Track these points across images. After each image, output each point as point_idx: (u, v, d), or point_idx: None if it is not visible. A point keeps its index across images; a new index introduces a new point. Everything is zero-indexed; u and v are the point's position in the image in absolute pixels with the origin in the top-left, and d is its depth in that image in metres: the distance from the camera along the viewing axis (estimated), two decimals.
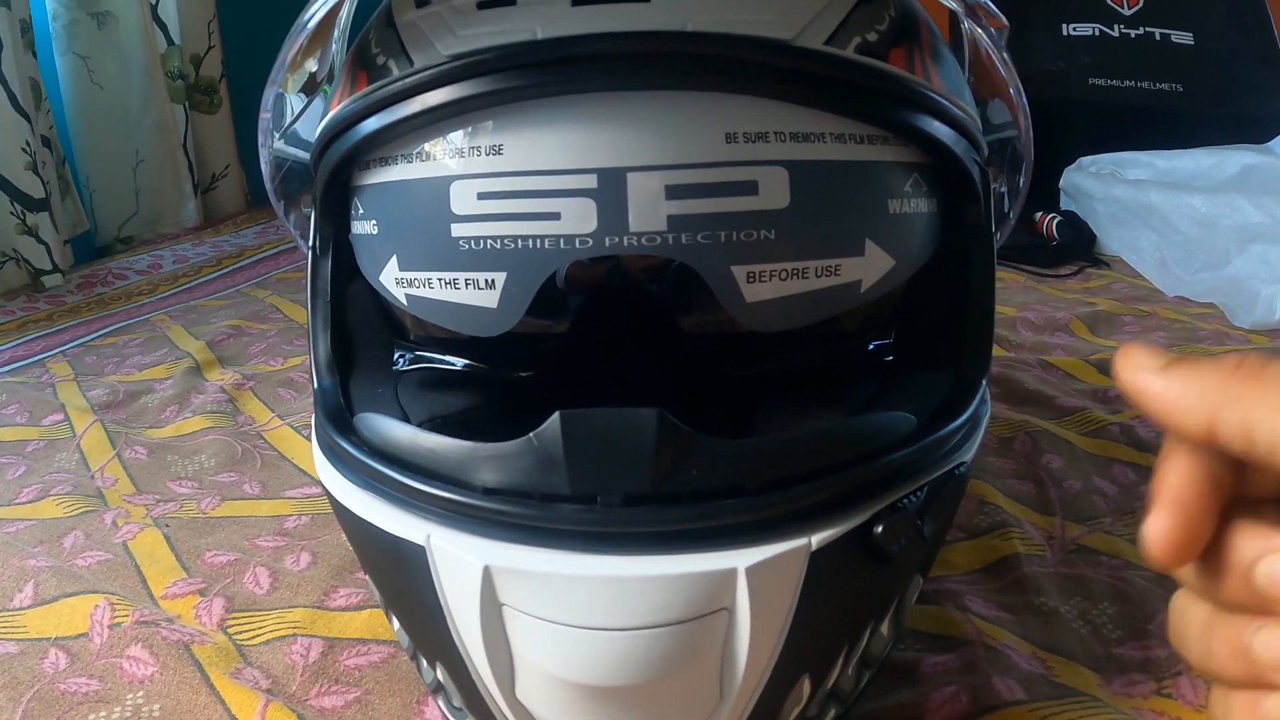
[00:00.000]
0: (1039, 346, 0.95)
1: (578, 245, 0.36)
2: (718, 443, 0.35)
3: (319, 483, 0.43)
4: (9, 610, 0.58)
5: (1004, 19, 0.44)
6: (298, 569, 0.61)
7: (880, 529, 0.35)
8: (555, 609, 0.33)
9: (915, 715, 0.47)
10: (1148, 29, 1.42)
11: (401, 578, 0.38)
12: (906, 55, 0.38)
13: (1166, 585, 0.31)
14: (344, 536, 0.63)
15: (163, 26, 1.55)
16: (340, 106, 0.41)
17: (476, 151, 0.37)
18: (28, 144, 1.25)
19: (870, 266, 0.39)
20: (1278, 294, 1.01)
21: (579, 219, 0.36)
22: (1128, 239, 1.21)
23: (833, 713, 0.42)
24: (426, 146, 0.38)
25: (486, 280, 0.38)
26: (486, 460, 0.36)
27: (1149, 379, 0.26)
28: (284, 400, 0.89)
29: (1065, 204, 1.31)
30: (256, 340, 1.06)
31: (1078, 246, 1.24)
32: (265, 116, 0.46)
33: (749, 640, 0.34)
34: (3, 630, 0.56)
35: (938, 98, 0.38)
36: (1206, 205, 1.12)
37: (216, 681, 0.50)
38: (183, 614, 0.57)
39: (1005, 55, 0.45)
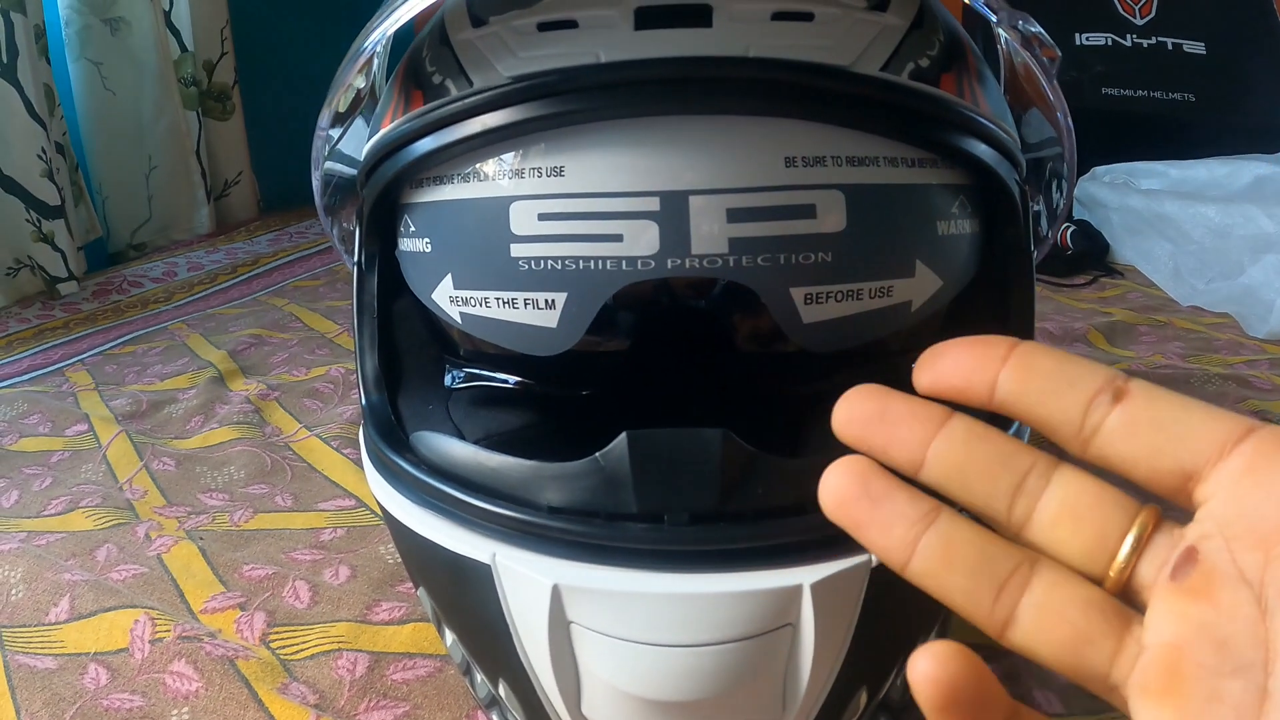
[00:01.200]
0: None
1: (640, 267, 0.36)
2: (780, 462, 0.36)
3: (360, 497, 0.43)
4: (45, 624, 0.58)
5: (1058, 50, 0.44)
6: (337, 583, 0.61)
7: None
8: (624, 626, 0.34)
9: None
10: (1160, 38, 1.42)
11: (463, 594, 0.38)
12: (956, 80, 0.39)
13: None
14: (382, 549, 0.64)
15: (176, 33, 1.56)
16: (393, 125, 0.41)
17: (537, 173, 0.37)
18: (43, 151, 1.25)
19: (920, 287, 0.39)
20: None
21: (641, 241, 0.36)
22: (1142, 248, 1.21)
23: None
24: (485, 166, 0.39)
25: (547, 300, 0.38)
26: (551, 479, 0.36)
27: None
28: (310, 411, 0.90)
29: (1079, 213, 1.32)
30: (278, 350, 1.06)
31: (1092, 256, 1.24)
32: (321, 135, 0.46)
33: (813, 654, 0.34)
34: (40, 645, 0.56)
35: (984, 121, 0.39)
36: (1220, 215, 1.13)
37: (264, 697, 0.51)
38: (224, 629, 0.57)
39: (1056, 84, 0.46)
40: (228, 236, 1.56)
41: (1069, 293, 1.18)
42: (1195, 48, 1.42)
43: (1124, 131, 1.35)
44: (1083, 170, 1.30)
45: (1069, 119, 0.47)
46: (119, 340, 1.12)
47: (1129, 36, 1.43)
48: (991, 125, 0.39)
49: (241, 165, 1.67)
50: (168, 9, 1.53)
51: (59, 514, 0.72)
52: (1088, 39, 1.43)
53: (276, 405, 0.91)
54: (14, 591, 0.61)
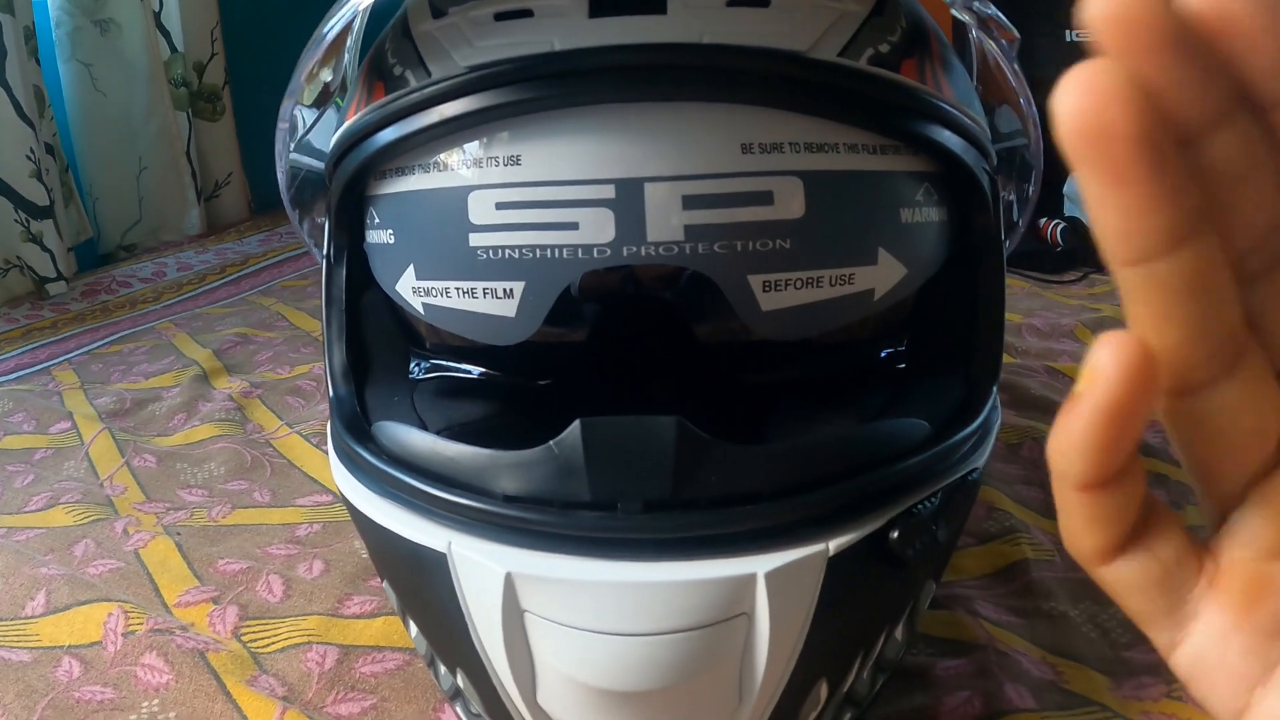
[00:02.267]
0: (1045, 353, 0.95)
1: (595, 255, 0.36)
2: (736, 449, 0.36)
3: (336, 491, 0.43)
4: (21, 618, 0.58)
5: (1015, 31, 0.44)
6: (311, 577, 0.61)
7: (896, 534, 0.36)
8: (577, 615, 0.34)
9: (930, 719, 0.47)
10: None
11: (421, 584, 0.38)
12: (918, 66, 0.39)
13: None
14: (356, 544, 0.64)
15: (166, 34, 1.55)
16: (356, 116, 0.41)
17: (494, 162, 0.37)
18: (32, 151, 1.25)
19: (883, 275, 0.39)
20: None
21: (597, 229, 0.36)
22: None
23: (848, 716, 0.42)
24: (444, 157, 0.39)
25: (505, 289, 0.38)
26: (507, 468, 0.36)
27: None
28: (292, 408, 0.89)
29: (1069, 210, 1.31)
30: (263, 348, 1.06)
31: (1081, 252, 1.24)
32: (283, 128, 0.46)
33: (768, 644, 0.34)
34: (15, 639, 0.56)
35: (948, 108, 0.39)
36: None
37: (233, 689, 0.50)
38: (196, 622, 0.57)
39: (1016, 66, 0.46)
40: (218, 237, 1.56)
41: (1058, 289, 1.17)
42: None
43: None
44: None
45: (1033, 105, 0.47)
46: (106, 340, 1.12)
47: None
48: (956, 112, 0.39)
49: (232, 166, 1.67)
50: (158, 10, 1.53)
51: (39, 510, 0.72)
52: (1079, 36, 1.43)
53: (259, 403, 0.90)
54: None
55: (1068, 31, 1.45)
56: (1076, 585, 0.57)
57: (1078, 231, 1.25)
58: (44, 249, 1.27)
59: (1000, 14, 0.43)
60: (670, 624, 0.33)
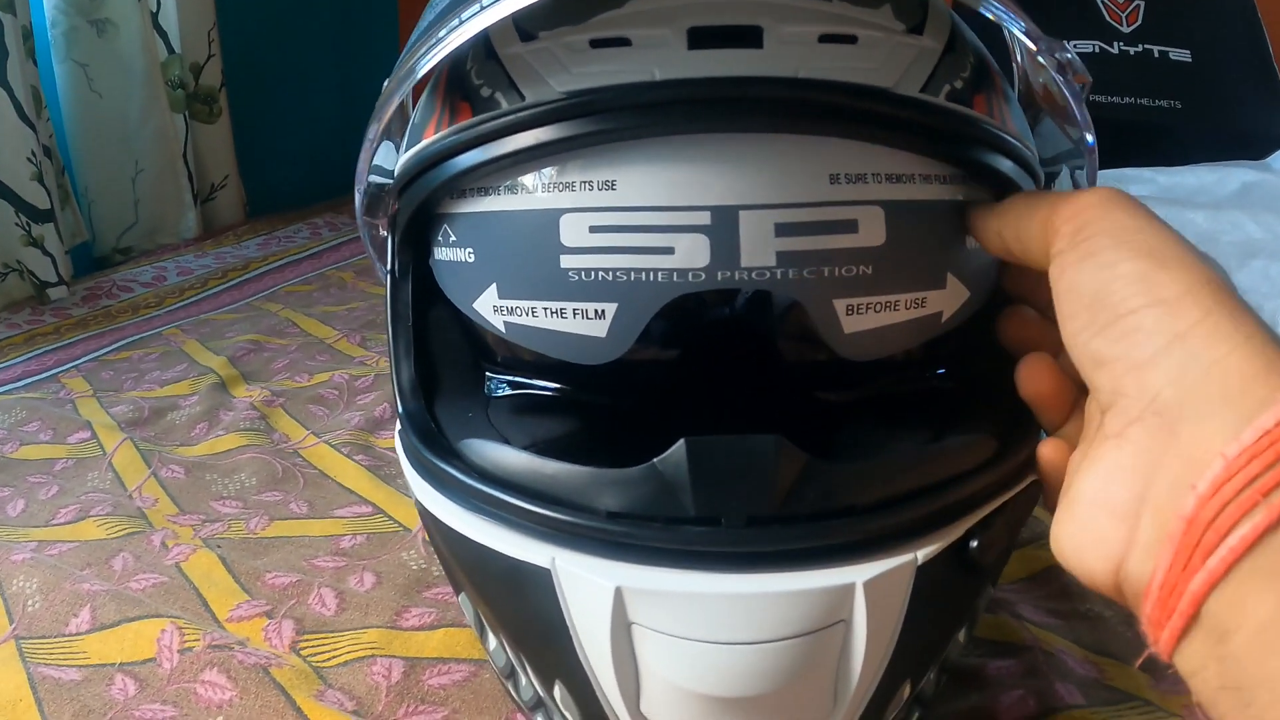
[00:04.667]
0: None
1: (690, 279, 0.37)
2: (831, 466, 0.37)
3: (421, 506, 0.44)
4: (66, 635, 0.57)
5: (1089, 76, 0.45)
6: (363, 589, 0.61)
7: (975, 543, 0.38)
8: (686, 626, 0.35)
9: (988, 717, 0.49)
10: (1146, 46, 1.44)
11: (519, 599, 0.39)
12: (986, 99, 0.41)
13: None
14: (404, 555, 0.64)
15: (163, 35, 1.54)
16: (437, 137, 0.41)
17: (589, 186, 0.38)
18: (33, 154, 1.23)
19: (950, 298, 0.41)
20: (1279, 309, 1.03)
21: (692, 254, 0.37)
22: None
23: (916, 715, 0.44)
24: (535, 178, 0.39)
25: (596, 310, 0.39)
26: (610, 485, 0.37)
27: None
28: (317, 417, 0.89)
29: None
30: (278, 356, 1.05)
31: None
32: (369, 149, 0.46)
33: (864, 649, 0.36)
34: (63, 656, 0.56)
35: (1010, 139, 0.41)
36: (1208, 221, 1.14)
37: (302, 704, 0.51)
38: (252, 637, 0.57)
39: (1085, 108, 0.47)
40: (215, 241, 1.54)
41: None
42: (1181, 55, 1.44)
43: (1112, 138, 1.35)
44: None
45: (1095, 140, 0.48)
46: (113, 346, 1.11)
47: (1116, 44, 1.44)
48: (1017, 143, 0.41)
49: (228, 169, 1.66)
50: (155, 10, 1.52)
51: (69, 523, 0.71)
52: (1075, 46, 1.45)
53: (282, 412, 0.90)
54: (30, 602, 0.60)
55: (1064, 42, 1.47)
56: None
57: None
58: (45, 253, 1.26)
59: (1078, 58, 0.44)
60: (775, 632, 0.35)
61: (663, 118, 0.37)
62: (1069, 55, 0.44)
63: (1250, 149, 1.33)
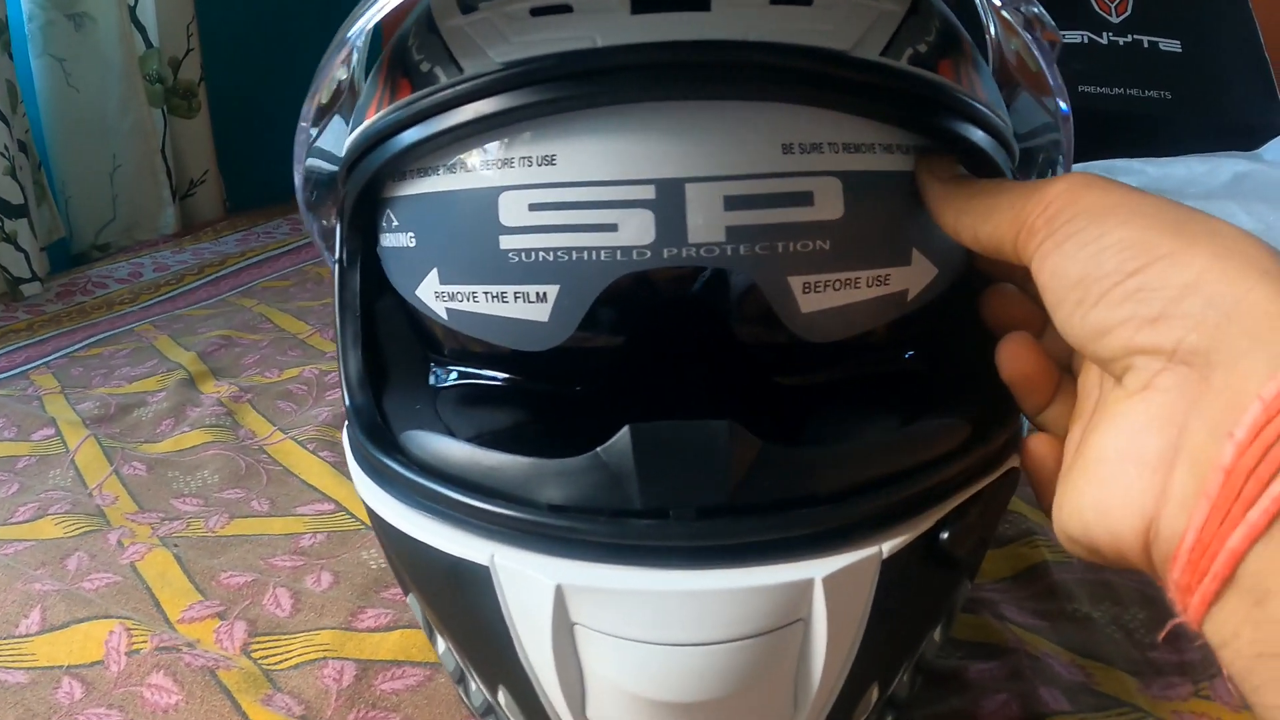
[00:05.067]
0: None
1: (635, 257, 0.35)
2: (788, 452, 0.35)
3: (362, 504, 0.42)
4: (15, 637, 0.56)
5: (1059, 33, 0.44)
6: (320, 589, 0.59)
7: (946, 534, 0.36)
8: (631, 626, 0.33)
9: None
10: (1136, 36, 1.42)
11: (460, 599, 0.37)
12: (953, 65, 0.38)
13: None
14: (364, 555, 0.62)
15: (141, 29, 1.52)
16: (378, 115, 0.40)
17: (528, 162, 0.36)
18: (5, 149, 1.22)
19: (916, 275, 0.39)
20: None
21: (637, 230, 0.35)
22: None
23: (890, 719, 0.42)
24: (473, 156, 0.37)
25: (538, 293, 0.37)
26: (551, 476, 0.35)
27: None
28: (284, 413, 0.87)
29: None
30: (249, 351, 1.04)
31: None
32: (304, 126, 0.44)
33: (825, 650, 0.33)
34: (10, 659, 0.54)
35: (980, 107, 0.38)
36: None
37: (248, 709, 0.49)
38: (203, 638, 0.55)
39: (1056, 69, 0.45)
40: (194, 236, 1.53)
41: None
42: (1171, 45, 1.43)
43: (1102, 129, 1.35)
44: None
45: (1069, 106, 0.47)
46: (85, 342, 1.10)
47: (1105, 34, 1.43)
48: (987, 111, 0.39)
49: (207, 164, 1.64)
50: (133, 4, 1.50)
51: (27, 521, 0.69)
52: (1065, 37, 1.43)
53: (249, 408, 0.88)
54: None
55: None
56: (1096, 586, 0.57)
57: None
58: (18, 249, 1.24)
59: (1045, 13, 0.42)
60: (727, 632, 0.32)
61: (604, 87, 0.35)
62: (1035, 9, 0.42)
63: (1242, 139, 1.32)
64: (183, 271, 1.37)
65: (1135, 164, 1.28)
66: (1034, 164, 0.52)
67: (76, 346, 1.09)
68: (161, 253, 1.44)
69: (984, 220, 0.35)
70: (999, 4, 0.41)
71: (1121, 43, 1.43)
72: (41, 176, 1.36)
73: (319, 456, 0.77)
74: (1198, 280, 0.27)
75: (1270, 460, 0.24)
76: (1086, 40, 1.43)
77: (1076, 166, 1.35)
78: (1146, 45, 1.43)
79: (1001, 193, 0.35)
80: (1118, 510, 0.29)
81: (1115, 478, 0.29)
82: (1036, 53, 0.43)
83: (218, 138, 1.66)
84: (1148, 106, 1.40)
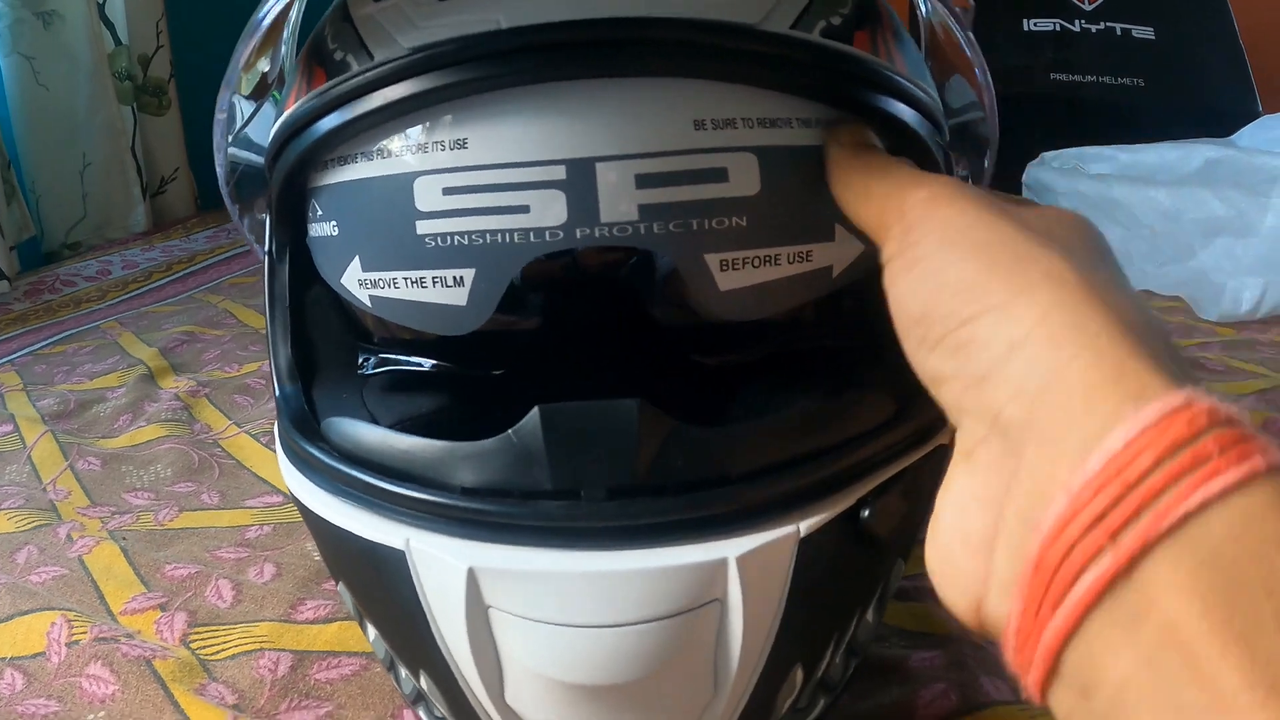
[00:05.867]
0: None
1: (548, 238, 0.35)
2: (701, 431, 0.35)
3: (288, 493, 0.41)
4: None
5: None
6: (262, 581, 0.59)
7: (867, 513, 0.35)
8: (543, 608, 0.32)
9: (906, 712, 0.47)
10: (1109, 24, 1.42)
11: (379, 584, 0.37)
12: (870, 38, 0.38)
13: None
14: (308, 546, 0.62)
15: (110, 26, 1.52)
16: (296, 105, 0.39)
17: (440, 146, 0.35)
18: None
19: (840, 251, 0.38)
20: (1243, 286, 1.01)
21: (548, 211, 0.34)
22: None
23: (822, 703, 0.41)
24: (387, 143, 0.37)
25: (455, 277, 0.36)
26: (464, 459, 0.35)
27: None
28: (241, 407, 0.87)
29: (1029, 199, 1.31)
30: (211, 346, 1.03)
31: None
32: (221, 118, 0.44)
33: (742, 631, 0.33)
34: None
35: (901, 80, 0.38)
36: (1171, 199, 1.12)
37: (180, 698, 0.48)
38: (143, 629, 0.54)
39: (970, 35, 0.45)
40: (164, 234, 1.52)
41: None
42: (1144, 33, 1.42)
43: (1074, 117, 1.34)
44: (1032, 156, 1.29)
45: (987, 75, 0.46)
46: (50, 340, 1.09)
47: (1078, 22, 1.42)
48: (909, 85, 0.38)
49: (178, 161, 1.63)
50: (101, 2, 1.49)
51: None
52: (1036, 25, 1.43)
53: (206, 402, 0.88)
54: None
55: (1025, 21, 1.46)
56: None
57: None
58: None
59: None
60: (640, 614, 0.32)
61: (509, 68, 0.34)
62: None
63: (1217, 126, 1.31)
64: (151, 269, 1.36)
65: (1106, 151, 1.27)
66: (966, 139, 0.52)
67: (41, 344, 1.08)
68: (131, 250, 1.44)
69: (862, 201, 0.33)
70: None
71: (1094, 30, 1.42)
72: (11, 175, 1.36)
73: (271, 450, 0.76)
74: (1026, 338, 0.25)
75: (1075, 557, 0.22)
76: (1059, 28, 1.42)
77: (1048, 155, 1.34)
78: (1119, 33, 1.42)
79: (886, 175, 0.33)
80: (950, 587, 0.28)
81: (948, 553, 0.28)
82: (949, 19, 0.42)
83: (188, 135, 1.66)
84: (1121, 94, 1.39)
